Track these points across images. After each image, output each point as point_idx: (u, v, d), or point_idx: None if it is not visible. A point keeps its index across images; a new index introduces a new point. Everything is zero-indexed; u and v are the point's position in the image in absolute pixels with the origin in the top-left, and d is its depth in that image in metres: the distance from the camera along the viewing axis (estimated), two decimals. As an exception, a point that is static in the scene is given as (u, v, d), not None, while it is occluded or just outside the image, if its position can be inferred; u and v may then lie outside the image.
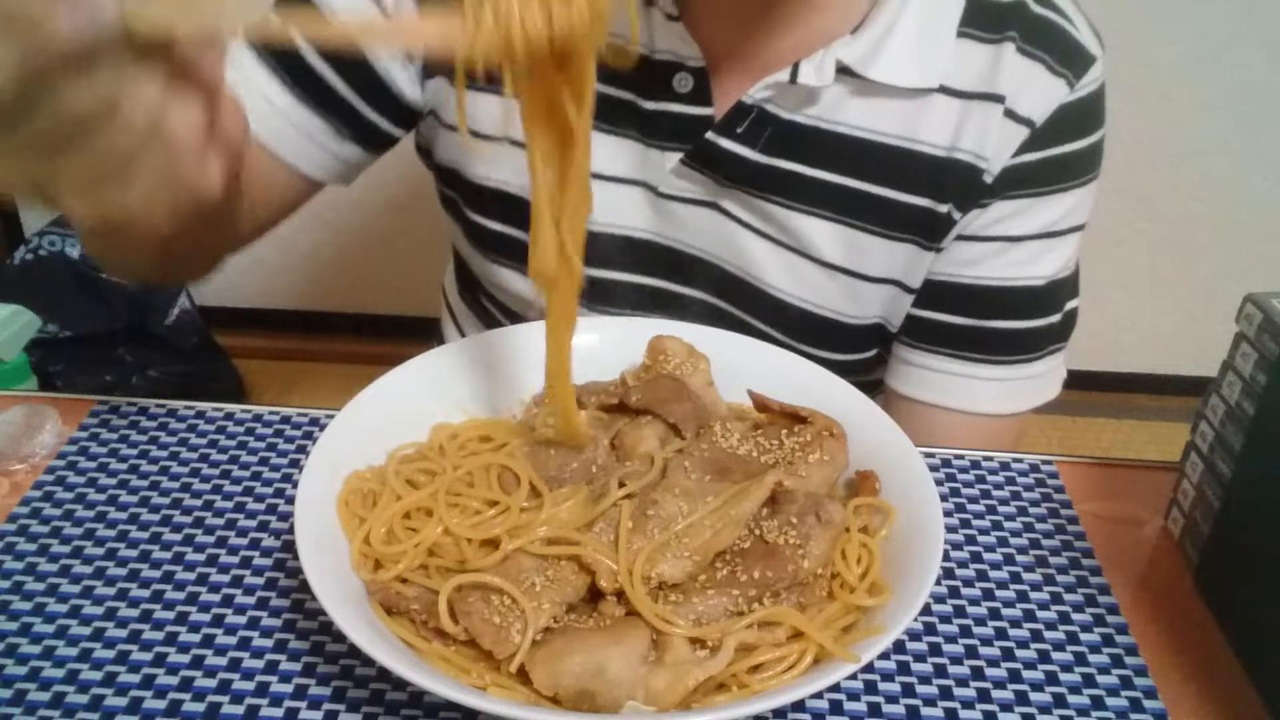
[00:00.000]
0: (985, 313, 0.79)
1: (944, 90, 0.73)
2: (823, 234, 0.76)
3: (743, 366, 0.67)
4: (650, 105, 0.75)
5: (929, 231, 0.76)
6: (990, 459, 0.70)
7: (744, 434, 0.62)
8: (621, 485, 0.56)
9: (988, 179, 0.75)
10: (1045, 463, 0.70)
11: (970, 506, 0.66)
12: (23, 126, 0.45)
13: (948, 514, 0.65)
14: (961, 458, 0.70)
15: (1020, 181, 0.75)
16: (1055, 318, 0.81)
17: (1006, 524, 0.65)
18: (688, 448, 0.60)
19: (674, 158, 0.75)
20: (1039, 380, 0.82)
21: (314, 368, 1.96)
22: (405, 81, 0.79)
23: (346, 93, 0.78)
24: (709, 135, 0.74)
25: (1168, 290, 2.10)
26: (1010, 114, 0.73)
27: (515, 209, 0.81)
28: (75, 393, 0.73)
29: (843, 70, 0.71)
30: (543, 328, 0.61)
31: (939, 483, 0.66)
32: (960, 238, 0.77)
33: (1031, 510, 0.66)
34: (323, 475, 0.57)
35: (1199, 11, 1.82)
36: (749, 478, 0.57)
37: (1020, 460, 0.70)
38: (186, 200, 0.50)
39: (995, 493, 0.67)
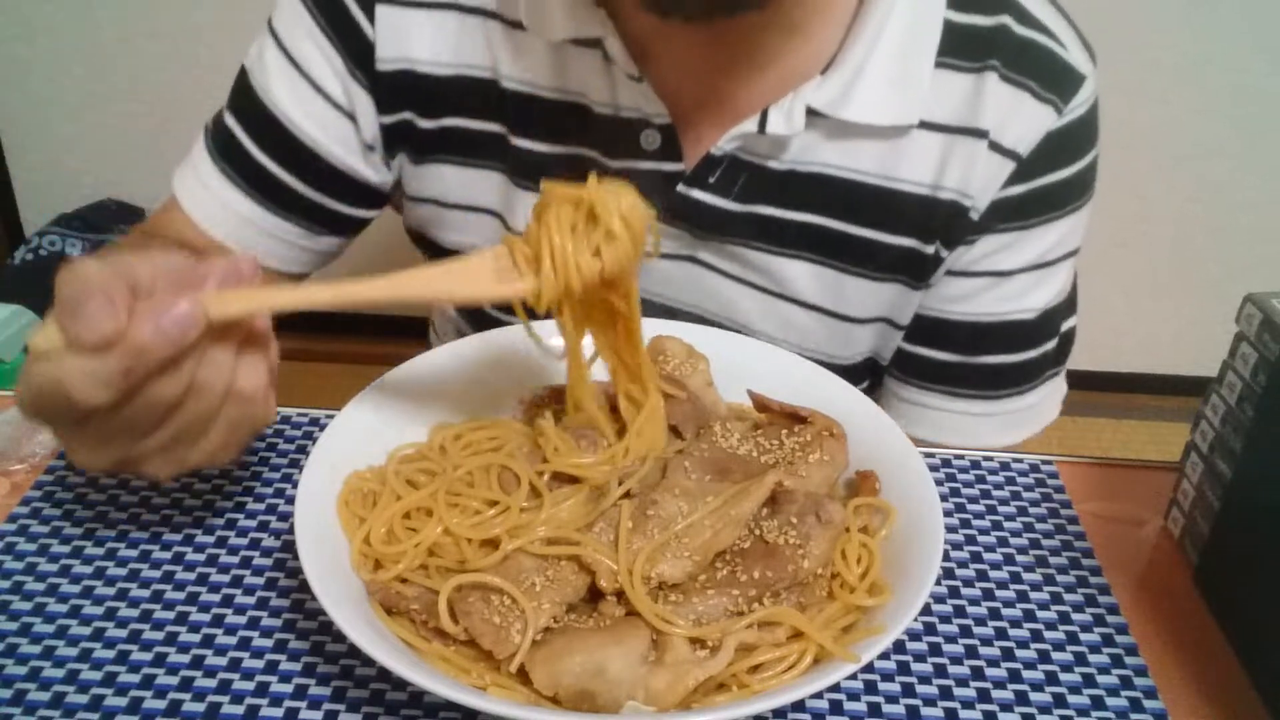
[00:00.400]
0: (976, 349, 0.77)
1: (924, 125, 0.70)
2: (804, 276, 0.75)
3: (743, 366, 0.67)
4: (618, 164, 0.73)
5: (915, 270, 0.74)
6: (990, 459, 0.70)
7: (744, 434, 0.62)
8: (621, 485, 0.56)
9: (974, 215, 0.72)
10: (1045, 463, 0.70)
11: (970, 506, 0.66)
12: (113, 422, 0.50)
13: (948, 514, 0.65)
14: (961, 458, 0.70)
15: (1008, 214, 0.73)
16: (1050, 345, 0.79)
17: (1006, 524, 0.65)
18: (688, 448, 0.60)
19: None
20: (1035, 409, 0.80)
21: (314, 368, 1.95)
22: (370, 169, 0.78)
23: (313, 194, 0.78)
24: (680, 188, 0.73)
25: (1167, 291, 2.10)
26: (995, 146, 0.71)
27: None
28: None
29: (814, 113, 0.69)
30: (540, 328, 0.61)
31: (939, 483, 0.66)
32: (949, 273, 0.75)
33: (1031, 510, 0.66)
34: (323, 475, 0.57)
35: (1197, 15, 1.82)
36: (749, 478, 0.57)
37: (1020, 460, 0.70)
38: (252, 435, 0.55)
39: (995, 493, 0.67)
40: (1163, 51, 1.85)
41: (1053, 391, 0.82)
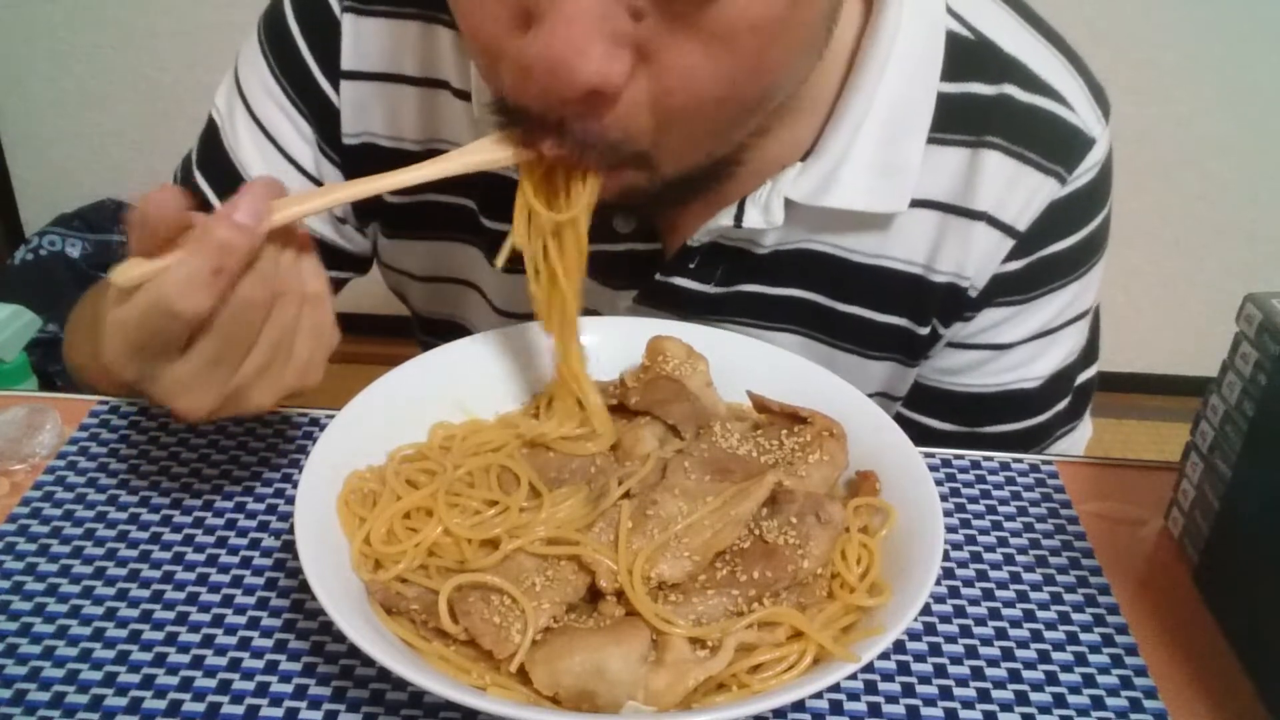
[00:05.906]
0: (978, 419, 0.75)
1: (916, 203, 0.67)
2: (795, 348, 0.72)
3: (743, 366, 0.67)
4: (591, 246, 0.68)
5: (909, 349, 0.72)
6: (990, 459, 0.70)
7: (744, 434, 0.62)
8: (621, 485, 0.56)
9: (971, 293, 0.70)
10: (1045, 463, 0.70)
11: (970, 506, 0.66)
12: (213, 341, 0.51)
13: (948, 514, 0.65)
14: (961, 458, 0.70)
15: (1008, 289, 0.70)
16: (1061, 405, 0.76)
17: (1006, 524, 0.65)
18: (687, 448, 0.60)
19: (628, 296, 0.72)
20: None
21: (314, 368, 1.96)
22: (344, 240, 0.78)
23: None
24: (659, 277, 0.71)
25: (1169, 290, 2.10)
26: (993, 223, 0.67)
27: (461, 332, 0.81)
28: (75, 393, 0.73)
29: (794, 203, 0.66)
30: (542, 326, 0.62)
31: (939, 483, 0.66)
32: (947, 344, 0.73)
33: (1031, 510, 0.66)
34: (323, 475, 0.57)
35: (1203, 13, 1.82)
36: (749, 478, 0.57)
37: (1020, 460, 0.70)
38: (327, 354, 0.57)
39: (995, 493, 0.67)
40: (1168, 49, 1.85)
41: (1070, 447, 0.79)
